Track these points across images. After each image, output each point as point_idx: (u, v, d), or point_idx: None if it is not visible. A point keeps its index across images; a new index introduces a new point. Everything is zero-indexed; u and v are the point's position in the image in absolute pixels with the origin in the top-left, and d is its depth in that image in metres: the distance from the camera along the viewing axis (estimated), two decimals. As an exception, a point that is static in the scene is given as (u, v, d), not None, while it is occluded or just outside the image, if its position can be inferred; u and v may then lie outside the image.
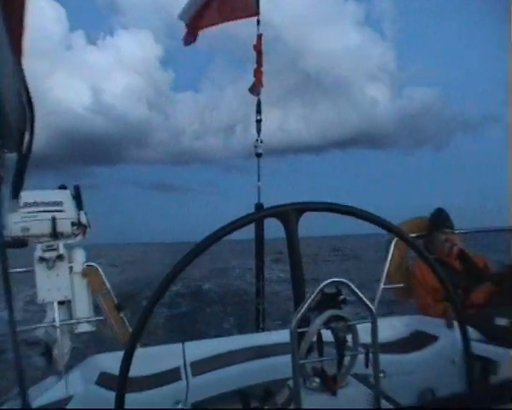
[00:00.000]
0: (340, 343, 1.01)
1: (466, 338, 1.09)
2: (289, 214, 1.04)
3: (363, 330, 1.06)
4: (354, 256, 32.37)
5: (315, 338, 0.99)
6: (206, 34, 4.36)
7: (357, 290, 0.99)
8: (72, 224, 2.27)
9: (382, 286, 3.07)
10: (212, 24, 4.32)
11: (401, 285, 3.19)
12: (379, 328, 2.85)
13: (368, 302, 1.00)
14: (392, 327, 2.78)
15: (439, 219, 3.07)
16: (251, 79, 4.07)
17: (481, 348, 2.21)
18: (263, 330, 3.70)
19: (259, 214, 1.15)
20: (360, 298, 1.00)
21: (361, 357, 1.06)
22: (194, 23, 4.34)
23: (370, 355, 1.02)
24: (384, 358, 2.31)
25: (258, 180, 3.92)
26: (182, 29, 4.42)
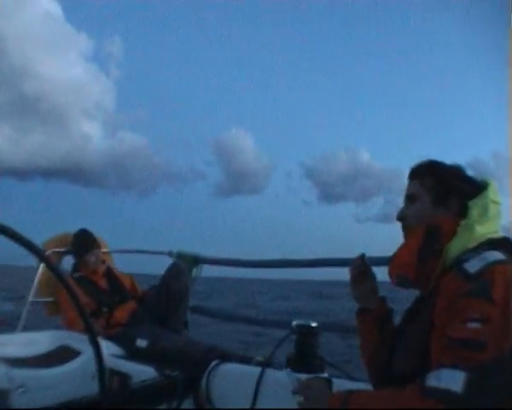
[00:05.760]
0: None
1: (99, 354, 1.14)
2: None
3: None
4: None
5: None
6: None
7: None
8: None
9: (31, 299, 2.92)
10: None
11: (50, 299, 3.10)
12: (21, 342, 2.65)
13: None
14: (35, 341, 2.65)
15: (84, 241, 3.18)
16: None
17: (121, 364, 2.39)
18: None
19: None
20: None
21: None
22: None
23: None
24: (24, 373, 2.19)
25: None
26: None
